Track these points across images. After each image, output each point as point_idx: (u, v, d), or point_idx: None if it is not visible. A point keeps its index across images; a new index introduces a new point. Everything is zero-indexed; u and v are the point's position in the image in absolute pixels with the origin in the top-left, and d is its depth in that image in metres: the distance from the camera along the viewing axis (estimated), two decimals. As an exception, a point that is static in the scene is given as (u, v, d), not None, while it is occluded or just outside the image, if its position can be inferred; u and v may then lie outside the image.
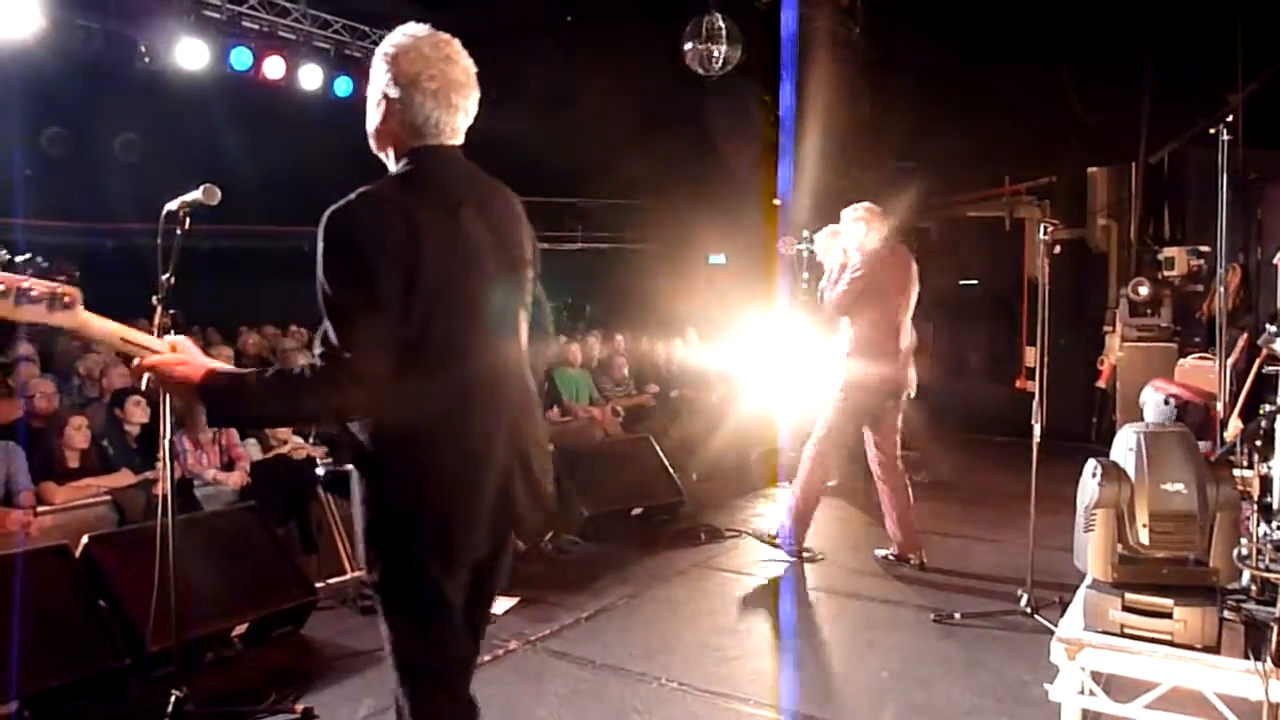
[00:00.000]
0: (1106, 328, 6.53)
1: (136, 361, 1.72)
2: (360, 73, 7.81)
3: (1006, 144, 7.54)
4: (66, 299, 1.62)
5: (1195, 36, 6.62)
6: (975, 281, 7.67)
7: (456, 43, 1.83)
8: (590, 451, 5.27)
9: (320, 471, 4.34)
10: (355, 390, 1.60)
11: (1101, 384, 6.48)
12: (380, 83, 1.79)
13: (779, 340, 5.96)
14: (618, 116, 8.05)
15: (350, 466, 1.76)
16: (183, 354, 1.73)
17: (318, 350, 1.63)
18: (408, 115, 1.77)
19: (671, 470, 5.29)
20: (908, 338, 4.40)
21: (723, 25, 6.59)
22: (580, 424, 6.24)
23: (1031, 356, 6.68)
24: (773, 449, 5.95)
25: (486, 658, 3.27)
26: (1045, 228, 3.54)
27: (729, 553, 4.69)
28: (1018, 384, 7.47)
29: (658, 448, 5.32)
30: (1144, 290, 5.92)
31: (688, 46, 6.75)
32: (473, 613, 1.85)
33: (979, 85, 7.00)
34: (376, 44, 1.88)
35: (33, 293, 1.59)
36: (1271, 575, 2.27)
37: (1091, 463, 2.62)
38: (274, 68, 7.28)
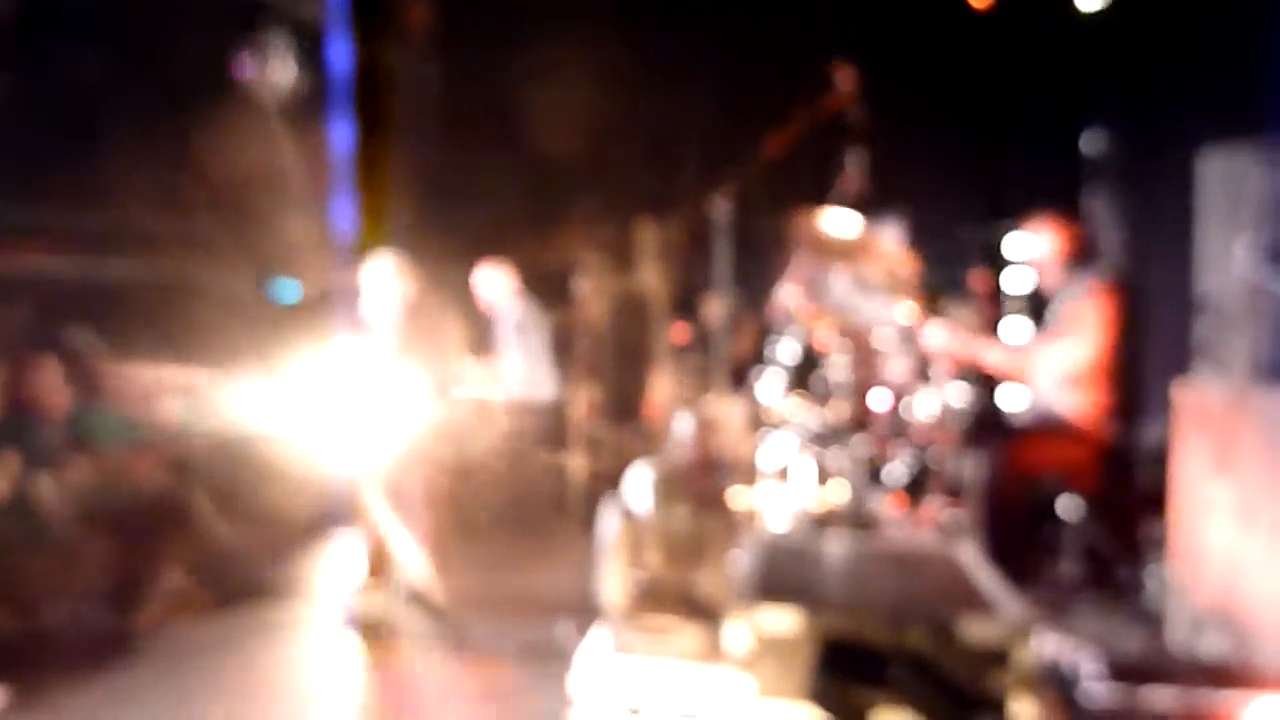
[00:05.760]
0: (653, 367, 7.18)
1: None
2: None
3: (573, 190, 8.02)
4: None
5: (737, 104, 7.51)
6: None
7: None
8: (115, 506, 4.69)
9: None
10: None
11: (649, 418, 7.09)
12: None
13: (352, 382, 5.77)
14: (171, 143, 7.35)
15: None
16: None
17: None
18: None
19: (219, 526, 4.88)
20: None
21: (281, 50, 6.29)
22: (111, 473, 5.54)
23: (589, 396, 7.15)
24: (325, 494, 5.72)
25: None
26: (583, 281, 3.81)
27: (280, 612, 4.42)
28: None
29: (201, 502, 4.89)
30: (679, 333, 6.61)
31: (244, 70, 6.36)
32: None
33: (549, 133, 7.40)
34: None
35: None
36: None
37: (612, 502, 2.84)
38: None
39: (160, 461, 5.90)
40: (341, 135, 5.70)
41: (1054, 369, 3.76)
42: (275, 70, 6.36)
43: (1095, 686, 2.58)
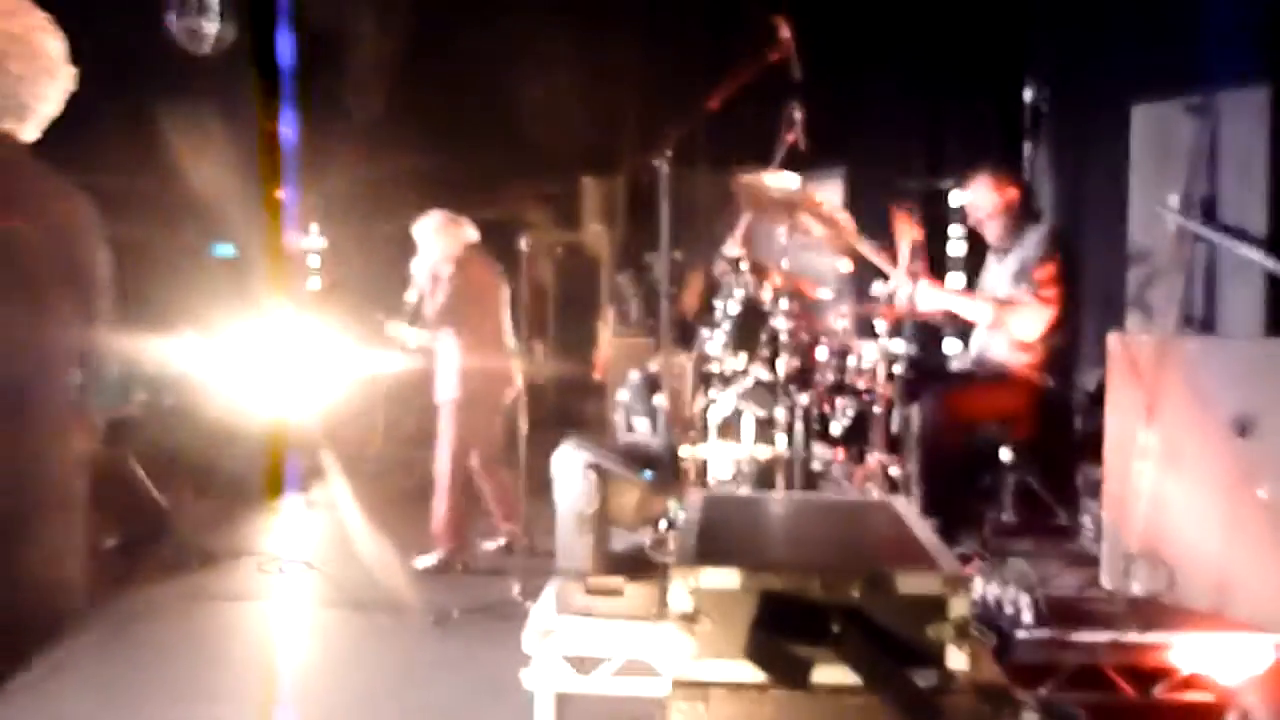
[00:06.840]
0: (600, 323, 7.18)
1: None
2: None
3: (517, 149, 7.92)
4: None
5: (677, 60, 7.44)
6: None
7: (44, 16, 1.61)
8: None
9: None
10: None
11: (598, 375, 7.10)
12: None
13: (288, 341, 5.67)
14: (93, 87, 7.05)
15: None
16: None
17: None
18: None
19: (156, 491, 4.79)
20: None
21: (212, 4, 6.06)
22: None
23: (536, 352, 7.16)
24: (278, 459, 5.65)
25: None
26: (524, 240, 3.78)
27: (225, 578, 4.37)
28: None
29: (137, 467, 4.79)
30: (626, 290, 6.60)
31: (172, 19, 6.12)
32: None
33: (493, 91, 7.30)
34: None
35: None
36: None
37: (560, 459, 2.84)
38: None
39: (97, 427, 5.76)
40: (280, 90, 5.53)
41: (1021, 331, 3.72)
42: (207, 24, 6.13)
43: (1030, 629, 2.67)
